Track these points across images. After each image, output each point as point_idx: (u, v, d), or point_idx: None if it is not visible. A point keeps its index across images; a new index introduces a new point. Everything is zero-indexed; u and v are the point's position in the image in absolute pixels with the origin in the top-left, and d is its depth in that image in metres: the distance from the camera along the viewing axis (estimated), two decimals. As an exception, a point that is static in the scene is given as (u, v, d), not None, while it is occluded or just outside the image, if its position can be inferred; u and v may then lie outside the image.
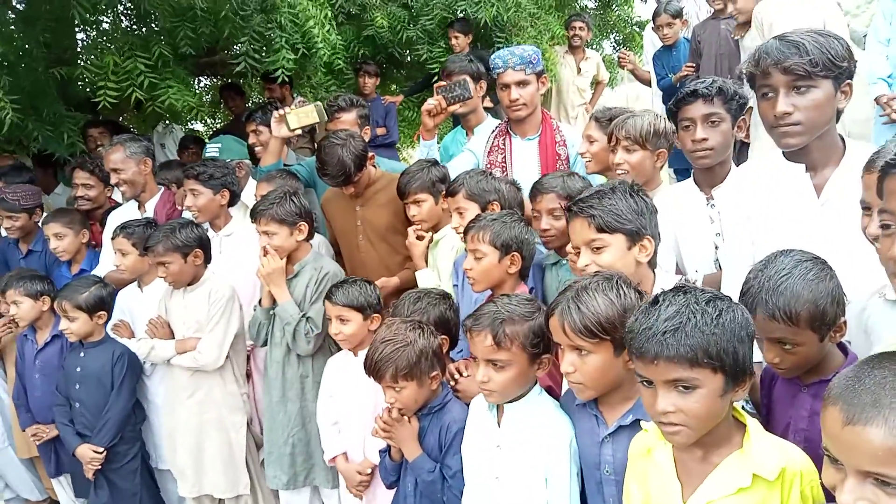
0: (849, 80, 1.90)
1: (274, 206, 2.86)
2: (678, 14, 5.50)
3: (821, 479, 1.18)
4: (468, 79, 3.39)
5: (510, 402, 1.93)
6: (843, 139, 1.99)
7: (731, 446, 1.43)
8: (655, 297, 1.41)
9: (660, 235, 2.02)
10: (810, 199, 1.96)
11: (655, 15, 5.57)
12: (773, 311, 1.60)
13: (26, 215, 3.88)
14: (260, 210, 2.88)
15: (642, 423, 1.62)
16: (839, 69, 1.84)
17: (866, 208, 1.69)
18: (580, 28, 6.26)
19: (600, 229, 1.91)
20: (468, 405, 2.23)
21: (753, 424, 1.45)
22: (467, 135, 3.78)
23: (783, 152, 2.02)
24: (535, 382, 1.95)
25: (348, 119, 3.57)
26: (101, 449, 3.13)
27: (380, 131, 5.78)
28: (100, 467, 3.14)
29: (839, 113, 1.94)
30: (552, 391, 2.16)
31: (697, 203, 2.45)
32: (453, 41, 5.23)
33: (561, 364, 1.74)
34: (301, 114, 3.35)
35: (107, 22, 5.09)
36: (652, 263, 2.01)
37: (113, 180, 3.68)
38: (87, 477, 3.16)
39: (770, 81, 1.88)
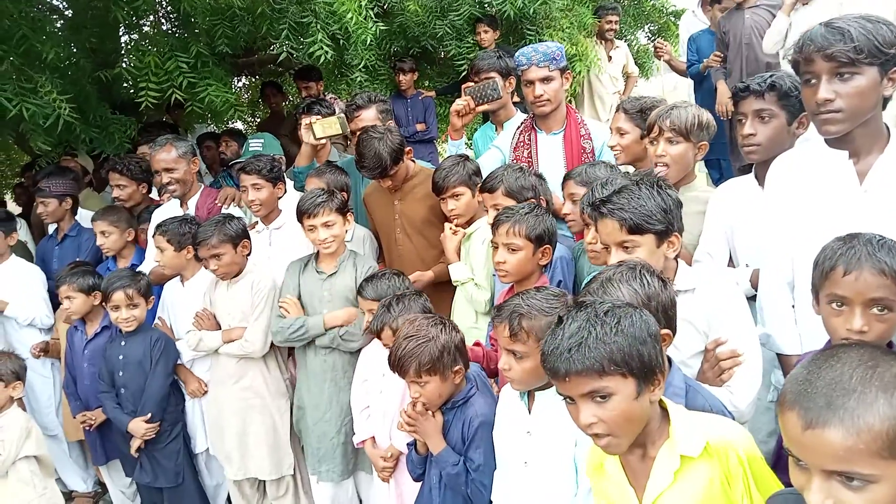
0: None
1: (330, 198, 2.98)
2: None
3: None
4: (497, 79, 3.41)
5: (540, 389, 1.95)
6: (887, 127, 1.97)
7: (664, 438, 1.48)
8: (560, 318, 1.47)
9: (683, 227, 2.03)
10: (853, 185, 1.95)
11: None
12: (883, 265, 1.61)
13: (56, 201, 4.19)
14: (319, 203, 2.95)
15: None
16: (886, 56, 1.81)
17: None
18: (615, 21, 6.26)
19: (632, 231, 1.93)
20: (492, 398, 2.28)
21: (674, 409, 1.50)
22: (497, 130, 3.81)
23: (825, 139, 2.00)
24: None
25: (368, 116, 3.61)
26: (150, 417, 3.28)
27: (419, 127, 5.83)
28: (151, 437, 3.28)
29: (886, 100, 1.92)
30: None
31: (754, 197, 2.42)
32: (481, 35, 5.23)
33: None
34: (326, 124, 3.46)
35: (148, 25, 5.26)
36: (677, 255, 2.03)
37: (164, 179, 3.70)
38: (132, 454, 3.32)
39: (813, 68, 1.88)
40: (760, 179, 2.41)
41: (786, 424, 1.09)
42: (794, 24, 4.47)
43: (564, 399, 1.47)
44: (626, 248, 1.95)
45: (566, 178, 2.79)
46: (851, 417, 1.01)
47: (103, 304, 3.49)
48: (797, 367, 1.16)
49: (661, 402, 1.51)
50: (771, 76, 2.36)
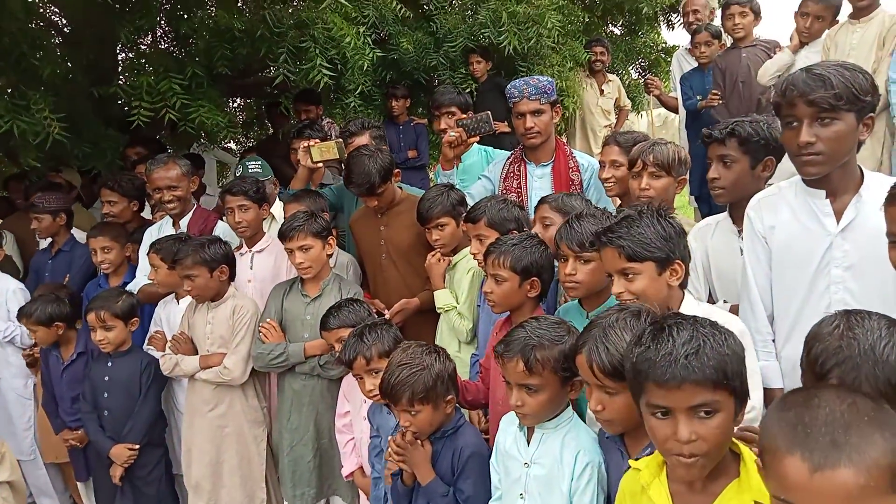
0: (871, 114, 1.96)
1: (309, 222, 3.02)
2: (718, 35, 5.52)
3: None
4: (489, 113, 3.45)
5: None
6: (860, 168, 2.05)
7: (730, 476, 1.42)
8: (660, 325, 1.41)
9: (690, 255, 2.04)
10: (830, 223, 2.02)
11: (695, 32, 5.58)
12: (887, 387, 1.41)
13: (50, 217, 4.15)
14: (296, 227, 3.00)
15: (631, 461, 1.62)
16: (862, 103, 1.90)
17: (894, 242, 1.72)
18: (600, 53, 6.35)
19: (630, 258, 1.94)
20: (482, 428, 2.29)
21: (748, 453, 1.45)
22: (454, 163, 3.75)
23: (803, 178, 2.08)
24: (568, 404, 1.97)
25: (361, 142, 3.66)
26: (136, 445, 3.22)
27: (411, 154, 5.88)
28: (131, 463, 3.22)
29: (860, 144, 2.00)
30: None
31: (729, 235, 2.50)
32: (474, 65, 5.30)
33: (589, 402, 1.75)
34: (323, 148, 3.51)
35: (145, 45, 5.31)
36: (682, 284, 2.02)
37: (166, 197, 3.66)
38: (114, 482, 3.24)
39: (795, 112, 1.95)
40: (734, 218, 2.50)
41: (785, 471, 1.06)
42: (774, 60, 4.60)
43: (655, 413, 1.39)
44: (627, 275, 1.96)
45: (541, 201, 2.82)
46: (859, 454, 1.00)
47: (74, 327, 3.49)
48: (775, 413, 1.14)
49: None
50: (733, 122, 2.44)
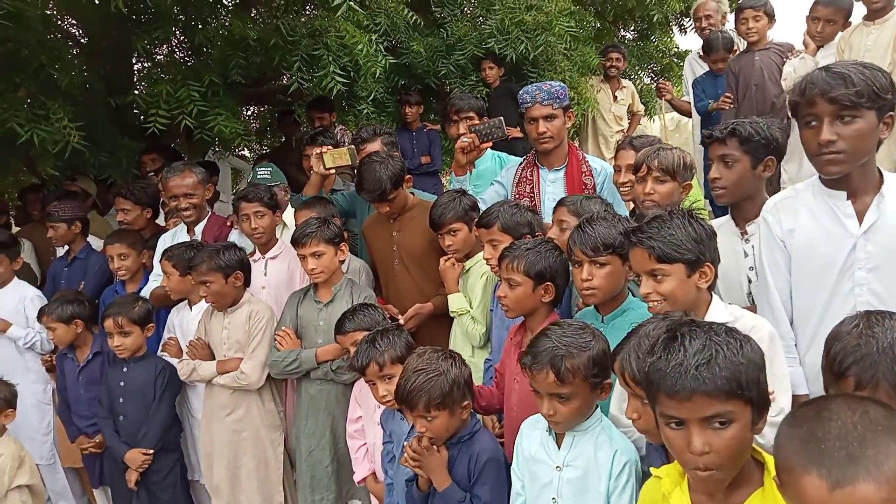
0: (891, 112, 1.94)
1: (321, 228, 3.04)
2: (730, 46, 5.51)
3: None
4: (502, 118, 3.44)
5: None
6: (879, 169, 2.04)
7: (752, 485, 1.39)
8: (673, 333, 1.39)
9: (720, 258, 2.01)
10: (852, 224, 2.01)
11: (710, 49, 5.56)
12: None
13: (65, 225, 4.19)
14: (308, 233, 3.02)
15: (652, 469, 1.61)
16: (883, 101, 1.90)
17: None
18: (616, 59, 6.35)
19: (660, 259, 1.92)
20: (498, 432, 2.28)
21: (772, 461, 1.40)
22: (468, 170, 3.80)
23: (821, 179, 2.07)
24: (597, 407, 1.96)
25: (373, 148, 3.68)
26: (151, 450, 3.25)
27: (424, 160, 5.91)
28: (145, 468, 3.24)
29: (879, 143, 1.99)
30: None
31: (733, 238, 2.48)
32: (487, 71, 5.32)
33: (627, 410, 1.75)
34: (336, 155, 3.52)
35: (161, 55, 5.37)
36: (711, 287, 1.99)
37: (183, 205, 3.70)
38: (129, 487, 3.27)
39: (815, 110, 1.94)
40: (737, 220, 2.49)
41: (804, 490, 1.04)
42: (797, 68, 4.57)
43: (669, 424, 1.37)
44: (656, 276, 1.94)
45: (559, 203, 2.82)
46: (877, 466, 0.98)
47: (91, 329, 3.52)
48: (787, 429, 1.12)
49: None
50: (733, 123, 2.42)
